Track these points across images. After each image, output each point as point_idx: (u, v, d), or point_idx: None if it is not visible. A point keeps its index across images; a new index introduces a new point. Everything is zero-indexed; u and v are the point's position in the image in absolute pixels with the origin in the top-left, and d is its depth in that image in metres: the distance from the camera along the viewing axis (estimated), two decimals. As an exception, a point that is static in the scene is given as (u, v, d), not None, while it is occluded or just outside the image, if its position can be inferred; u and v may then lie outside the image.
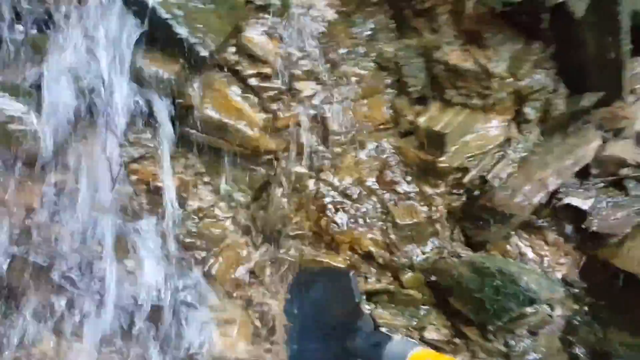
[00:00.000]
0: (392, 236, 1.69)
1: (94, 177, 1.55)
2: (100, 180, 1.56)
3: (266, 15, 1.60)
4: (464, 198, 1.63)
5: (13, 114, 1.54)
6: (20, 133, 1.54)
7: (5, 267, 1.59)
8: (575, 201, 1.58)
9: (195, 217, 1.74)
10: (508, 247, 1.67)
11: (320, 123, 1.67)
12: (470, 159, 1.58)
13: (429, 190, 1.65)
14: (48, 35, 1.52)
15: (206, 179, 1.73)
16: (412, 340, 1.56)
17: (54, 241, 1.63)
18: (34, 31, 1.54)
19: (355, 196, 1.67)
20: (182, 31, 1.44)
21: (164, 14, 1.42)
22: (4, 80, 1.53)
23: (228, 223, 1.79)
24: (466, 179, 1.59)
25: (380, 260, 1.70)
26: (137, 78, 1.49)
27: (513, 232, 1.66)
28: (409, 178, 1.67)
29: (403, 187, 1.68)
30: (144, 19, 1.44)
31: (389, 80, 1.69)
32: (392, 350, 1.40)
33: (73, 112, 1.56)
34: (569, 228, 1.65)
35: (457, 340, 1.78)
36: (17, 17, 1.57)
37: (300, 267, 1.72)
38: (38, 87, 1.57)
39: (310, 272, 1.70)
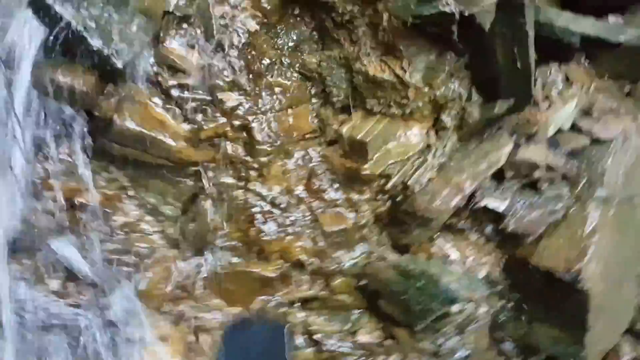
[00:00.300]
0: (321, 243, 1.72)
1: (8, 197, 1.51)
2: (15, 200, 1.52)
3: (187, 26, 1.60)
4: (388, 203, 1.68)
5: None
6: None
7: None
8: (491, 203, 1.65)
9: (121, 232, 1.72)
10: (432, 249, 1.72)
11: (245, 133, 1.68)
12: (392, 165, 1.62)
13: (355, 197, 1.68)
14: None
15: (131, 192, 1.70)
16: None
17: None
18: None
19: (283, 205, 1.68)
20: (96, 43, 1.41)
21: (77, 26, 1.40)
22: None
23: (156, 237, 1.76)
24: (389, 185, 1.63)
25: (311, 268, 1.73)
26: (49, 91, 1.46)
27: (437, 235, 1.72)
28: (335, 185, 1.69)
29: (330, 195, 1.71)
30: (54, 30, 1.43)
31: (313, 90, 1.72)
32: None
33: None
34: (488, 229, 1.72)
35: (388, 342, 1.83)
36: None
37: (235, 320, 1.72)
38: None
39: (245, 324, 1.71)
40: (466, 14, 1.46)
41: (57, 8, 1.39)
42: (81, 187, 1.60)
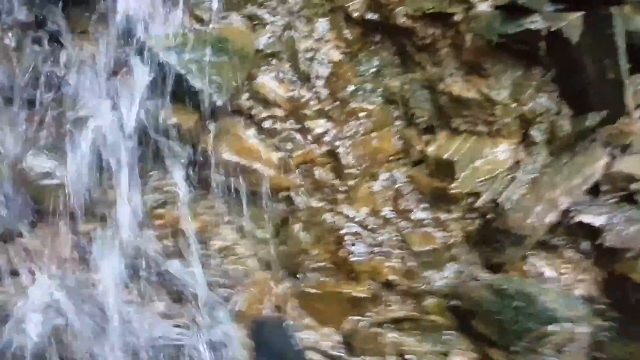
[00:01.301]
0: (411, 263, 1.75)
1: (121, 224, 1.68)
2: (127, 227, 1.69)
3: (275, 62, 1.72)
4: (478, 222, 1.68)
5: (44, 171, 1.69)
6: (51, 187, 1.69)
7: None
8: (587, 218, 1.62)
9: (219, 256, 1.84)
10: (526, 267, 1.70)
11: (333, 158, 1.77)
12: (481, 183, 1.64)
13: (443, 216, 1.71)
14: (72, 95, 1.69)
15: (227, 218, 1.83)
16: None
17: (88, 288, 1.76)
18: (58, 92, 1.71)
19: (371, 226, 1.74)
20: (197, 84, 1.56)
21: (180, 70, 1.56)
22: (35, 139, 1.68)
23: (250, 260, 1.87)
24: (478, 203, 1.64)
25: (401, 288, 1.76)
26: (158, 128, 1.62)
27: (530, 253, 1.69)
28: (423, 205, 1.73)
29: (418, 215, 1.74)
30: (160, 74, 1.59)
31: (396, 113, 1.78)
32: None
33: (96, 164, 1.71)
34: (584, 245, 1.68)
35: (483, 363, 1.83)
36: (44, 80, 1.73)
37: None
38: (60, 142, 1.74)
39: (257, 323, 1.72)
40: (552, 29, 1.48)
41: (162, 54, 1.56)
42: (184, 215, 1.76)
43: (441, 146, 1.67)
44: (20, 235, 1.76)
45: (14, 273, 1.77)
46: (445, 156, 1.64)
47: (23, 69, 1.65)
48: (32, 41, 1.66)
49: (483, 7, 1.55)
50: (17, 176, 1.67)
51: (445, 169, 1.66)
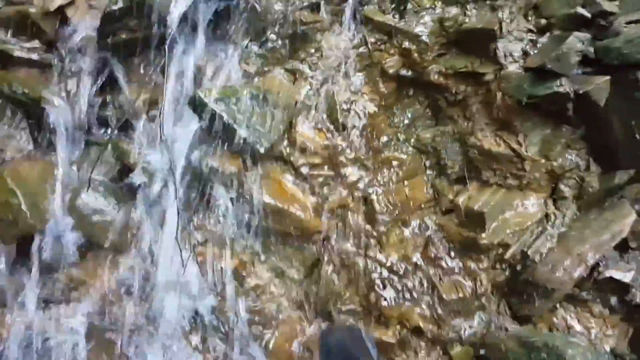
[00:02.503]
0: (440, 311, 1.82)
1: (165, 260, 1.81)
2: (170, 263, 1.82)
3: (314, 112, 1.86)
4: (507, 273, 1.74)
5: (96, 207, 1.85)
6: (101, 223, 1.85)
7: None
8: (616, 274, 1.66)
9: (253, 294, 1.94)
10: (555, 319, 1.74)
11: (366, 204, 1.87)
12: (511, 235, 1.71)
13: (472, 265, 1.78)
14: (128, 138, 1.87)
15: (262, 258, 1.95)
16: None
17: (126, 317, 1.88)
18: (116, 134, 1.90)
19: (402, 272, 1.83)
20: (243, 132, 1.71)
21: (228, 119, 1.71)
22: (91, 178, 1.86)
23: (283, 299, 1.97)
24: (508, 255, 1.71)
25: (429, 335, 1.82)
26: (205, 171, 1.77)
27: (558, 305, 1.74)
28: (452, 254, 1.81)
29: (447, 263, 1.82)
30: (209, 122, 1.75)
31: (428, 163, 1.89)
32: None
33: (145, 203, 1.87)
34: (613, 300, 1.71)
35: (509, 414, 1.85)
36: (101, 123, 1.93)
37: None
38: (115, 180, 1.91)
39: (330, 331, 1.78)
40: (580, 92, 1.57)
41: (212, 105, 1.72)
42: (223, 253, 1.88)
43: (471, 197, 1.76)
44: (68, 266, 1.94)
45: (58, 302, 1.94)
46: (475, 207, 1.72)
47: (84, 112, 1.84)
48: (93, 87, 1.86)
49: (513, 68, 1.67)
50: (72, 211, 1.85)
51: (475, 219, 1.74)
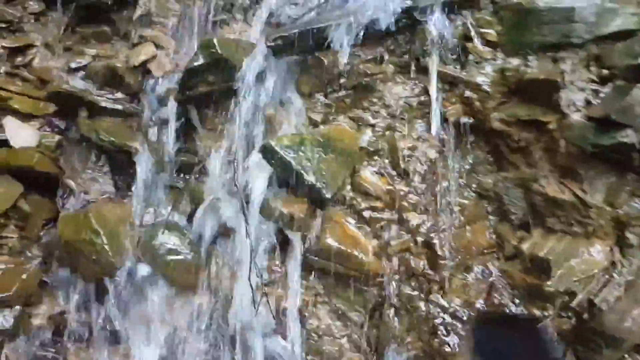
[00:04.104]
0: (505, 358, 1.87)
1: (237, 299, 1.95)
2: (241, 303, 1.96)
3: (377, 158, 1.99)
4: (573, 321, 1.77)
5: (172, 247, 2.03)
6: (176, 262, 2.02)
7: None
8: (689, 325, 1.67)
9: (315, 335, 2.04)
10: (624, 370, 1.77)
11: (428, 248, 1.96)
12: (577, 283, 1.74)
13: (537, 313, 1.81)
14: (203, 182, 2.05)
15: (324, 299, 2.05)
16: None
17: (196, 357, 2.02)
18: (192, 180, 2.08)
19: (465, 318, 1.89)
20: (310, 178, 1.85)
21: (296, 166, 1.86)
22: (167, 219, 2.04)
23: (344, 341, 2.06)
24: (574, 303, 1.74)
25: (494, 382, 1.87)
26: (272, 216, 1.92)
27: (627, 355, 1.73)
28: (516, 300, 1.85)
29: (511, 310, 1.86)
30: (277, 167, 1.90)
31: (490, 208, 1.97)
32: None
33: (217, 244, 2.03)
34: (688, 352, 1.73)
35: None
36: (178, 168, 2.13)
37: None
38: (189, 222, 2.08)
39: (493, 324, 1.82)
40: (645, 142, 1.63)
41: (281, 152, 1.88)
42: (286, 294, 2.00)
43: (536, 244, 1.81)
44: (140, 303, 2.11)
45: (128, 338, 2.10)
46: (541, 254, 1.78)
47: (164, 158, 2.05)
48: (172, 135, 2.07)
49: (576, 117, 1.74)
50: (148, 250, 2.03)
51: (540, 266, 1.78)
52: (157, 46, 2.18)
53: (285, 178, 1.89)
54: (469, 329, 1.81)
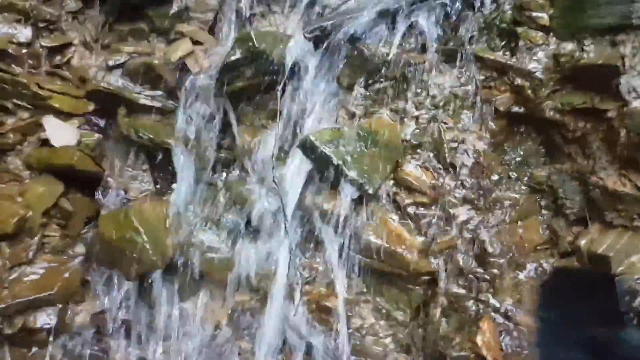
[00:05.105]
0: None
1: (276, 297, 1.95)
2: (281, 300, 1.95)
3: (421, 151, 1.94)
4: (635, 321, 1.67)
5: (211, 245, 2.04)
6: (215, 260, 2.03)
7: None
8: None
9: (358, 334, 2.02)
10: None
11: (476, 246, 1.91)
12: (639, 280, 1.67)
13: (596, 312, 1.75)
14: (241, 179, 2.05)
15: (368, 298, 2.02)
16: None
17: (237, 356, 2.03)
18: (230, 177, 2.08)
19: (518, 319, 1.83)
20: (352, 173, 1.83)
21: (337, 161, 1.83)
22: (206, 217, 2.05)
23: (388, 341, 2.03)
24: (636, 303, 1.66)
25: (550, 388, 1.81)
26: (314, 212, 1.89)
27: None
28: (573, 300, 1.80)
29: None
30: (317, 163, 1.88)
31: (543, 203, 1.90)
32: None
33: (257, 241, 2.02)
34: None
35: None
36: (216, 165, 2.13)
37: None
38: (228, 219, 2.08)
39: (562, 276, 1.78)
40: None
41: (321, 147, 1.86)
42: (328, 292, 1.98)
43: (594, 240, 1.73)
44: (180, 301, 2.13)
45: (169, 336, 2.13)
46: (599, 250, 1.70)
47: (203, 155, 2.06)
48: (210, 131, 2.07)
49: (638, 104, 1.64)
50: (188, 248, 2.04)
51: (598, 263, 1.71)
52: (195, 42, 2.18)
53: (326, 173, 1.86)
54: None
